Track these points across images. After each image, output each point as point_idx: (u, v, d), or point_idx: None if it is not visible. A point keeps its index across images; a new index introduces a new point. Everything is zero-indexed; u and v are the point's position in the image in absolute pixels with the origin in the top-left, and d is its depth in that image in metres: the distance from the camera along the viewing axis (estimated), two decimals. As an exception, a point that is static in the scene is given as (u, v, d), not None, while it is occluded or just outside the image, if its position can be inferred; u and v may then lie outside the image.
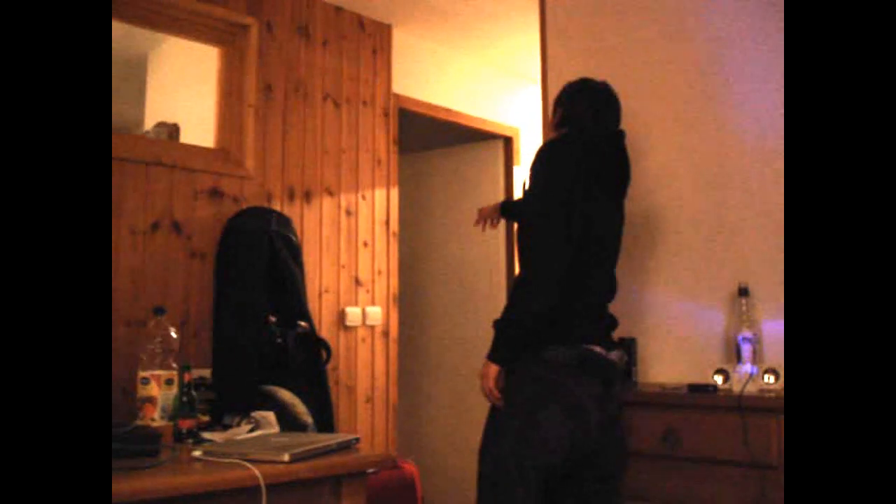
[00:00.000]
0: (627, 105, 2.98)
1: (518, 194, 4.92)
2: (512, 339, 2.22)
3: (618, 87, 3.02)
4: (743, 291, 2.60)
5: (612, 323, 2.43)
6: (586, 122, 2.47)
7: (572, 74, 3.17)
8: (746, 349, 2.54)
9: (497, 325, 2.24)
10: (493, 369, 2.23)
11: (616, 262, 2.46)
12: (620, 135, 2.49)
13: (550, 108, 3.25)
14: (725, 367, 2.51)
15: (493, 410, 2.30)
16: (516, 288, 2.24)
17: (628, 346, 2.75)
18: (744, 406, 2.27)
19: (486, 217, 3.03)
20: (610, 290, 2.44)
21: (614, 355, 2.33)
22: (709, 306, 2.75)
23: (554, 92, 3.22)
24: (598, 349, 2.28)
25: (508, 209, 2.98)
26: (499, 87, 5.03)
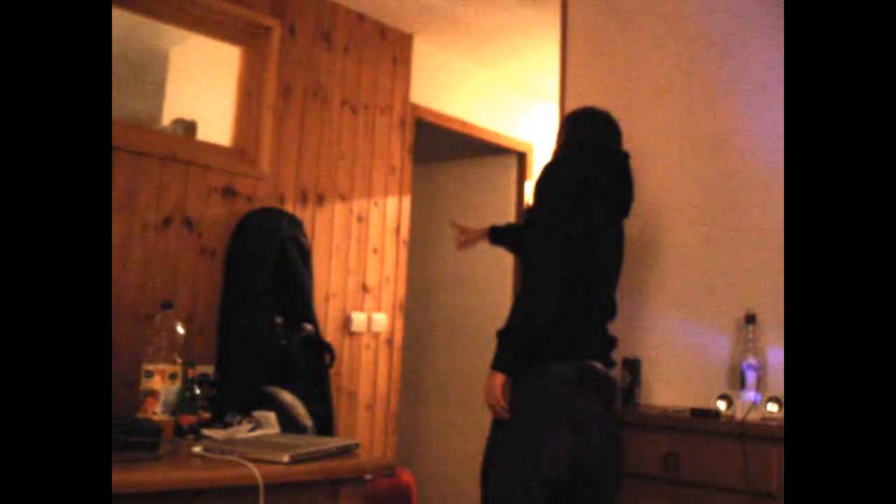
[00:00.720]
0: (641, 126, 3.00)
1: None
2: (515, 347, 2.26)
3: (634, 108, 3.04)
4: (750, 319, 2.59)
5: (613, 342, 2.47)
6: (587, 144, 2.56)
7: (590, 93, 3.19)
8: (751, 376, 2.54)
9: (500, 335, 2.27)
10: (499, 378, 2.26)
11: (616, 284, 2.52)
12: (624, 156, 2.54)
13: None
14: (729, 393, 2.50)
15: (497, 426, 2.32)
16: (519, 299, 2.28)
17: (633, 366, 2.75)
18: (745, 433, 2.26)
19: (467, 237, 3.06)
20: (610, 310, 2.51)
21: (613, 372, 2.43)
22: (715, 332, 2.75)
23: (571, 109, 3.24)
24: (599, 366, 2.35)
25: (497, 235, 3.00)
26: (515, 103, 5.04)
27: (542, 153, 5.15)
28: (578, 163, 2.44)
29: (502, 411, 2.26)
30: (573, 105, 3.24)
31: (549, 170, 2.39)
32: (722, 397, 2.49)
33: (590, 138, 2.58)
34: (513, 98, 5.03)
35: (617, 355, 2.82)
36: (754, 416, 2.36)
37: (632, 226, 2.97)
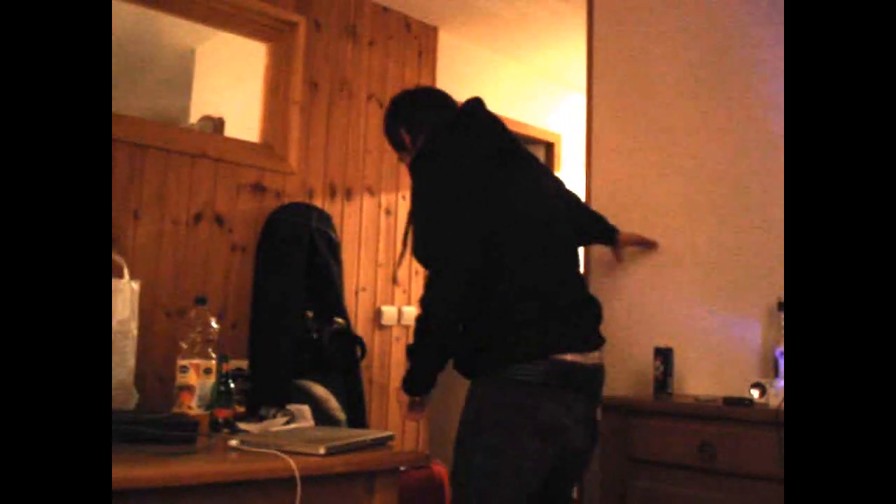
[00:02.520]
0: (667, 112, 2.98)
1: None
2: (420, 370, 2.11)
3: (661, 94, 3.02)
4: (782, 306, 2.57)
5: (592, 315, 2.16)
6: (431, 119, 2.27)
7: (617, 83, 3.18)
8: (784, 364, 2.52)
9: (408, 353, 2.12)
10: (405, 399, 2.14)
11: (569, 245, 2.26)
12: (477, 102, 2.27)
13: (589, 117, 3.25)
14: (762, 381, 2.48)
15: (459, 438, 2.07)
16: (418, 315, 2.04)
17: (665, 355, 2.73)
18: (780, 422, 2.24)
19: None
20: (569, 281, 2.16)
21: (595, 357, 2.08)
22: (747, 319, 2.73)
23: (598, 100, 3.24)
24: (570, 357, 2.00)
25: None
26: (542, 93, 5.03)
27: (570, 143, 5.14)
28: (440, 144, 2.16)
29: (417, 419, 2.33)
30: (601, 95, 3.23)
31: (413, 170, 2.19)
32: (755, 385, 2.48)
33: (431, 113, 2.28)
34: (539, 88, 5.02)
35: (649, 344, 2.82)
36: (789, 404, 2.34)
37: (660, 213, 2.96)
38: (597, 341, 2.11)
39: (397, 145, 2.37)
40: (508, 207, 2.06)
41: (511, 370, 1.98)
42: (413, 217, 2.12)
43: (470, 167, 2.06)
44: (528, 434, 1.95)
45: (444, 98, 2.35)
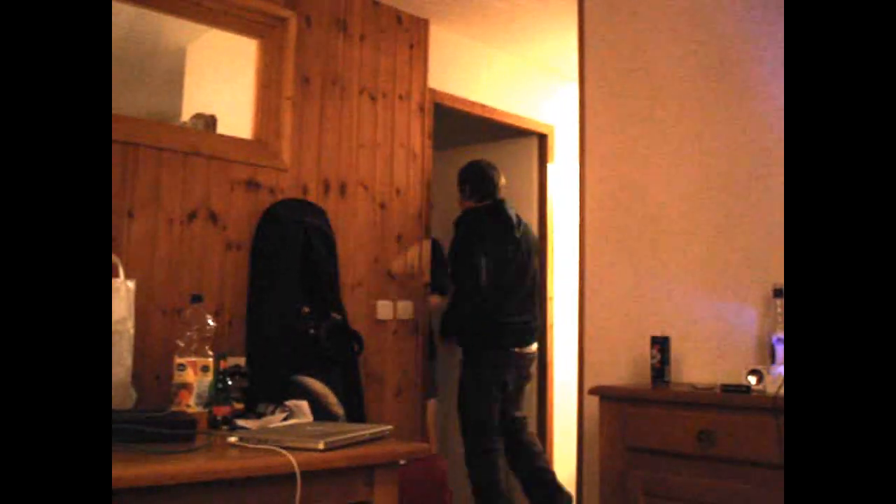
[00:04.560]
0: (661, 100, 2.98)
1: (551, 192, 4.92)
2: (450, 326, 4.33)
3: (654, 85, 3.02)
4: (778, 293, 2.58)
5: (529, 329, 4.21)
6: (486, 193, 4.22)
7: (609, 72, 3.18)
8: (780, 350, 2.53)
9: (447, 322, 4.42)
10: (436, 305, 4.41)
11: (526, 289, 4.20)
12: (503, 203, 4.22)
13: (582, 108, 3.26)
14: (759, 367, 2.49)
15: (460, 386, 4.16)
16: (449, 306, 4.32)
17: (662, 344, 2.74)
18: (778, 408, 2.25)
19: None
20: (521, 312, 4.14)
21: (527, 350, 4.21)
22: (743, 307, 2.73)
23: (590, 91, 3.25)
24: (514, 349, 4.10)
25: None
26: (534, 85, 5.02)
27: (563, 134, 5.13)
28: (477, 215, 4.13)
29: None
30: (594, 84, 3.23)
31: (462, 219, 4.15)
32: (752, 372, 2.48)
33: (488, 188, 4.22)
34: (532, 79, 5.01)
35: (646, 333, 2.83)
36: (786, 390, 2.35)
37: (654, 202, 2.97)
38: (530, 342, 4.21)
39: (459, 191, 4.36)
40: (491, 267, 3.98)
41: (488, 351, 4.08)
42: (451, 250, 4.18)
43: (476, 241, 4.03)
44: (492, 384, 4.04)
45: (489, 182, 4.27)
